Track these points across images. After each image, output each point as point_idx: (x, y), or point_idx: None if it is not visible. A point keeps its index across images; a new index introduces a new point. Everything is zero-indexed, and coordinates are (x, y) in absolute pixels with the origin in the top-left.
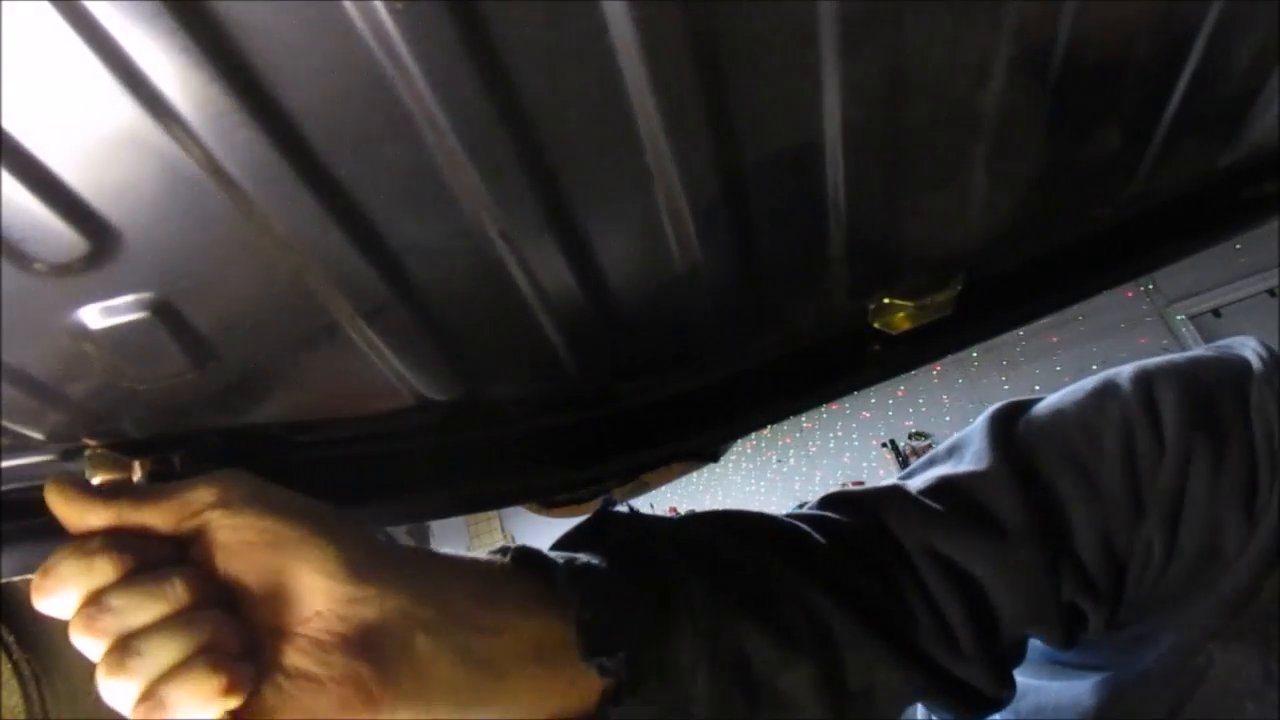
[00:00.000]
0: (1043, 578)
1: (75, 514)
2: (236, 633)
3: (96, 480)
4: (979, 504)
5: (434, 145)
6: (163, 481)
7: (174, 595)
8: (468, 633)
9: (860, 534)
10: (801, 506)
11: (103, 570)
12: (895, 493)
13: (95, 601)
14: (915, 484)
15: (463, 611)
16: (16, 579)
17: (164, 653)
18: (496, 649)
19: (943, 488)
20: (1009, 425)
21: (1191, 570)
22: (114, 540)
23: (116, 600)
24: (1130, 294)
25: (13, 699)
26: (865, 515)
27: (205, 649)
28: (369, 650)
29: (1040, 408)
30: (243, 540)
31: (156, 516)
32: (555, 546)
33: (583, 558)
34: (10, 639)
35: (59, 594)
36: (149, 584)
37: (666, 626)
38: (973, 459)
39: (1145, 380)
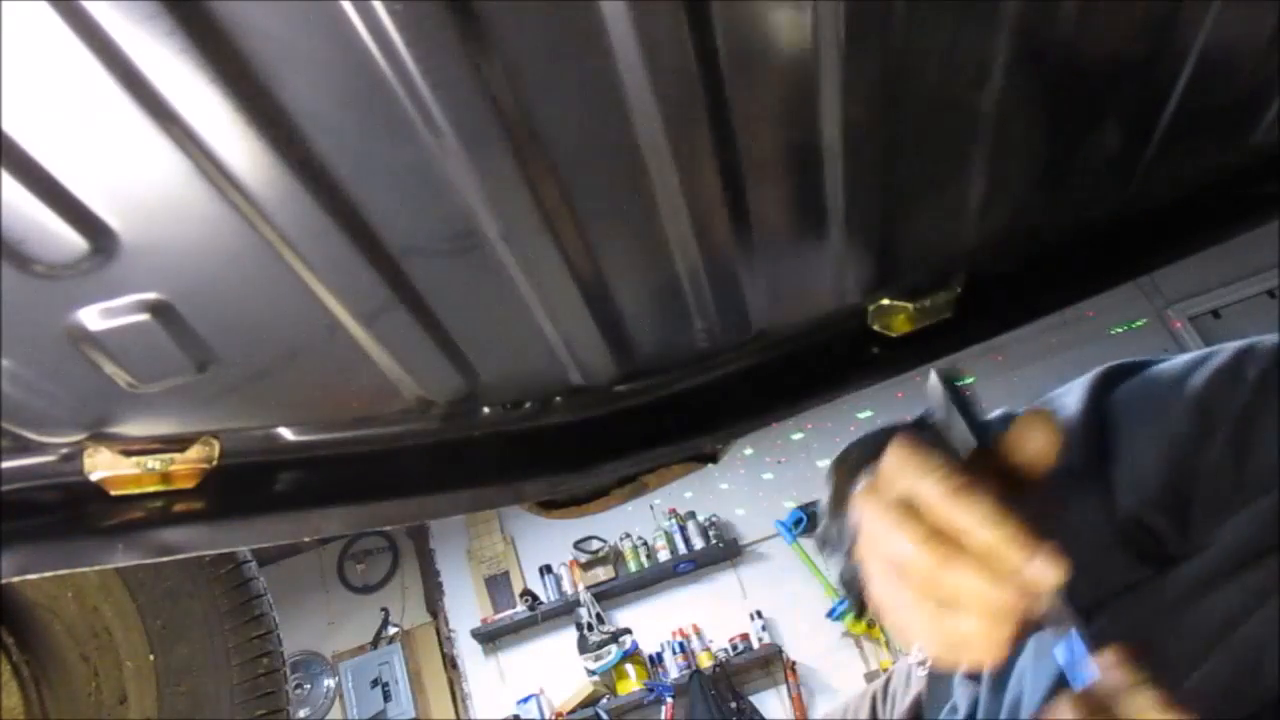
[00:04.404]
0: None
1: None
2: None
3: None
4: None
5: (434, 145)
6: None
7: None
8: None
9: None
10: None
11: None
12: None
13: None
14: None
15: None
16: (16, 579)
17: None
18: None
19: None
20: (1110, 383)
21: (1257, 494)
22: None
23: None
24: (1130, 294)
25: (12, 700)
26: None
27: None
28: None
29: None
30: None
31: None
32: None
33: None
34: (10, 640)
35: None
36: None
37: None
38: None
39: (1244, 348)
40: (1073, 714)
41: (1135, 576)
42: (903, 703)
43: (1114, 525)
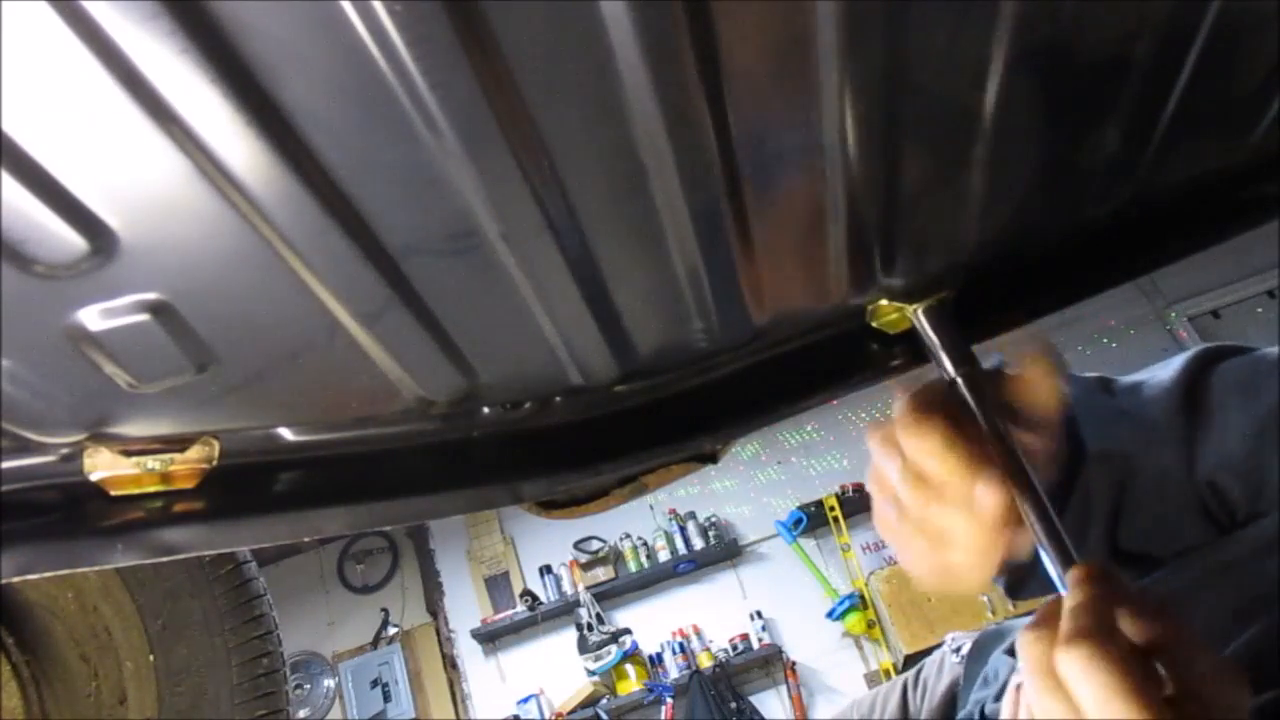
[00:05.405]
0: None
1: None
2: None
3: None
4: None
5: (434, 145)
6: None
7: None
8: None
9: None
10: None
11: None
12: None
13: None
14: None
15: None
16: (16, 579)
17: None
18: None
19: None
20: (1209, 361)
21: None
22: None
23: None
24: (1130, 294)
25: (12, 700)
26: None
27: None
28: None
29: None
30: None
31: None
32: None
33: None
34: (10, 640)
35: None
36: None
37: None
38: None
39: None
40: (1036, 630)
41: (1199, 538)
42: (936, 690)
43: (1193, 486)
